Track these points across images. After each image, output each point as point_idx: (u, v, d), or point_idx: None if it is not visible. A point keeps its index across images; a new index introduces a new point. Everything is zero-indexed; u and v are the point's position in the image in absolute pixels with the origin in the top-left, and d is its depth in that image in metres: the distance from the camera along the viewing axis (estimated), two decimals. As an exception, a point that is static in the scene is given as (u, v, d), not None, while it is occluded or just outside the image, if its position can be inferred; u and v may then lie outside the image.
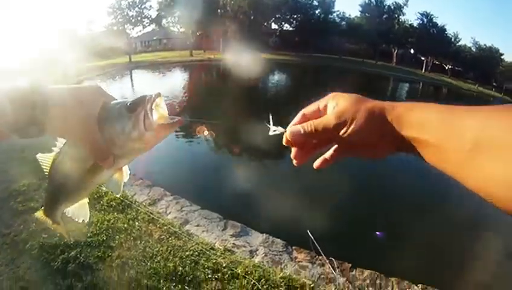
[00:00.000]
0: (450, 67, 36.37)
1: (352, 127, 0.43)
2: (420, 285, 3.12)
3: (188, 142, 7.89)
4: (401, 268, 3.31)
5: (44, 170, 0.54)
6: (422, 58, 38.17)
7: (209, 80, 20.27)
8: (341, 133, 0.44)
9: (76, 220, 0.59)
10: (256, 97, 13.93)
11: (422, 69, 36.50)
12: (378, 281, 3.13)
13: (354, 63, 32.90)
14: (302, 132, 0.46)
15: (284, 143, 0.48)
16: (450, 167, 0.37)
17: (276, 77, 24.34)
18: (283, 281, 2.90)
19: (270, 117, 0.49)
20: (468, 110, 0.37)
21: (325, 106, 0.47)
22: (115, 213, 3.59)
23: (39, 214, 0.62)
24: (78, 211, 0.59)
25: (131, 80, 15.40)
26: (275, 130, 0.49)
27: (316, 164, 0.52)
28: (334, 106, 0.45)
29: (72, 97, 0.44)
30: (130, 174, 0.55)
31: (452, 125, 0.37)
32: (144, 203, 3.98)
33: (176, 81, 16.31)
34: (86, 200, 0.59)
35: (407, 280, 3.16)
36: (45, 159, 0.53)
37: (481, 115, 0.36)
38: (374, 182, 6.20)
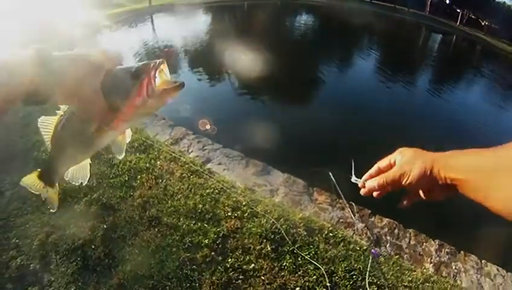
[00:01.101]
0: (486, 23, 32.65)
1: (410, 178, 0.58)
2: (437, 240, 3.04)
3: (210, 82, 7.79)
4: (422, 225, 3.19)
5: (44, 134, 0.56)
6: (458, 10, 34.65)
7: (233, 22, 19.20)
8: (403, 183, 0.59)
9: (74, 183, 0.61)
10: (283, 42, 13.00)
11: (457, 22, 33.42)
12: (396, 231, 3.09)
13: (385, 8, 30.68)
14: (376, 187, 0.63)
15: (361, 193, 0.66)
16: (484, 197, 0.49)
17: (303, 19, 22.74)
18: (302, 222, 2.85)
19: (353, 165, 0.64)
20: (487, 150, 0.50)
21: (395, 161, 0.62)
22: (137, 154, 3.58)
23: (30, 178, 0.60)
24: (78, 172, 0.60)
25: (153, 25, 14.83)
26: (356, 180, 0.67)
27: (400, 205, 0.67)
28: (399, 159, 0.61)
29: (77, 63, 0.43)
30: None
31: (476, 163, 0.51)
32: (166, 143, 3.94)
33: (198, 24, 15.56)
34: (88, 161, 0.60)
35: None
36: (48, 122, 0.55)
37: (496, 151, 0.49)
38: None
